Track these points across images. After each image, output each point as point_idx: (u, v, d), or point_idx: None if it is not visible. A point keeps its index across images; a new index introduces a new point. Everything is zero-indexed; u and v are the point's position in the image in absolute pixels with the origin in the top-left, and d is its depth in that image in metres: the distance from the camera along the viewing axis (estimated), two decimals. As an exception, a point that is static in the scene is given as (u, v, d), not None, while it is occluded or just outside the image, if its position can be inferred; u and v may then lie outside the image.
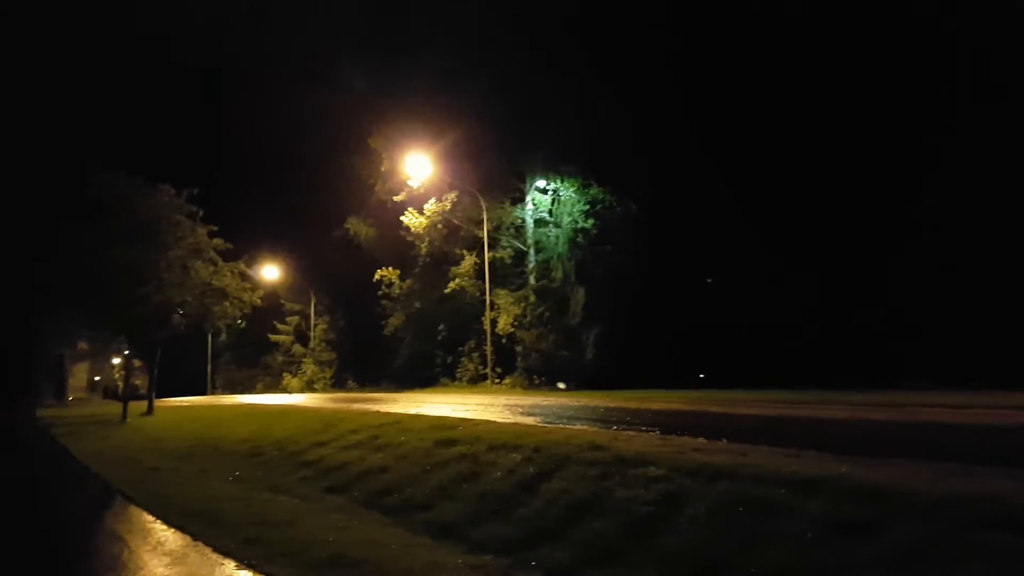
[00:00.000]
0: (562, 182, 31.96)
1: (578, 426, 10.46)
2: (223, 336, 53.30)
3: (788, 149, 25.24)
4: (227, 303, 26.68)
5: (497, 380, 31.25)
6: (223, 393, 53.10)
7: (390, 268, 38.67)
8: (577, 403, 16.56)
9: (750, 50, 26.28)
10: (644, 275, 28.26)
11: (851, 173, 24.18)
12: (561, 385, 28.38)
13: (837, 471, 5.83)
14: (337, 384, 46.65)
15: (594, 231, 30.91)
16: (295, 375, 50.95)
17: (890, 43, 23.36)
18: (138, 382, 42.43)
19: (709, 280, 28.69)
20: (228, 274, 26.70)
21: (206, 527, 7.86)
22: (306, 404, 23.50)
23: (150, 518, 8.67)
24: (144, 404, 26.55)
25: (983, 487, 4.91)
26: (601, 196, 30.83)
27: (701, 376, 26.18)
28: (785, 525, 5.22)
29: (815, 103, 24.68)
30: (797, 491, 5.63)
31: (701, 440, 8.05)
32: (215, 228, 26.24)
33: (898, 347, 21.36)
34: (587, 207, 31.12)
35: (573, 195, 31.54)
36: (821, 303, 24.21)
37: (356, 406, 19.03)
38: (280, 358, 54.48)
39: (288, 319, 54.75)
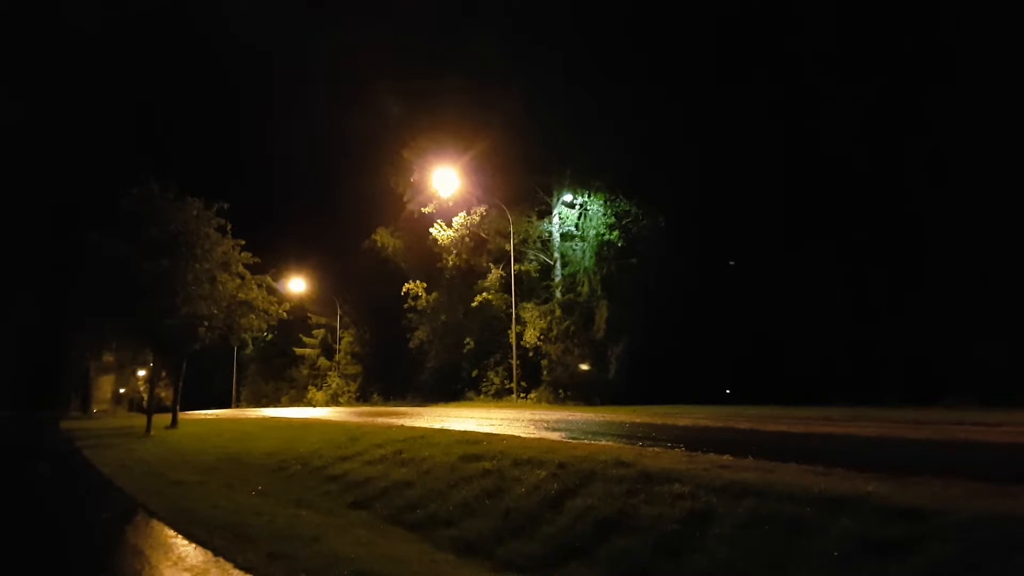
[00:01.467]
0: (589, 196, 31.97)
1: (603, 442, 10.38)
2: (249, 349, 53.82)
3: (823, 156, 24.99)
4: (253, 316, 26.92)
5: (523, 394, 31.17)
6: (248, 406, 53.59)
7: (417, 281, 38.86)
8: (602, 418, 16.44)
9: (781, 66, 26.10)
10: (670, 289, 28.06)
11: (891, 182, 23.80)
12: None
13: (866, 489, 5.71)
14: (362, 398, 46.83)
15: (620, 244, 30.82)
16: (320, 388, 51.23)
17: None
18: (163, 394, 42.94)
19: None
20: (255, 287, 26.96)
21: (229, 542, 7.88)
22: (331, 418, 23.60)
23: (172, 532, 8.71)
24: (169, 417, 26.83)
25: (1018, 507, 4.78)
26: (628, 209, 30.76)
27: (728, 392, 25.87)
28: (814, 544, 5.12)
29: (850, 112, 24.39)
30: (826, 509, 5.52)
31: (728, 457, 7.94)
32: (243, 242, 26.55)
33: (936, 362, 20.87)
34: (613, 220, 31.06)
35: (600, 209, 31.53)
36: (855, 317, 23.83)
37: (381, 420, 19.06)
38: (305, 371, 54.84)
39: (314, 332, 55.15)
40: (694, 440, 10.09)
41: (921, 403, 17.27)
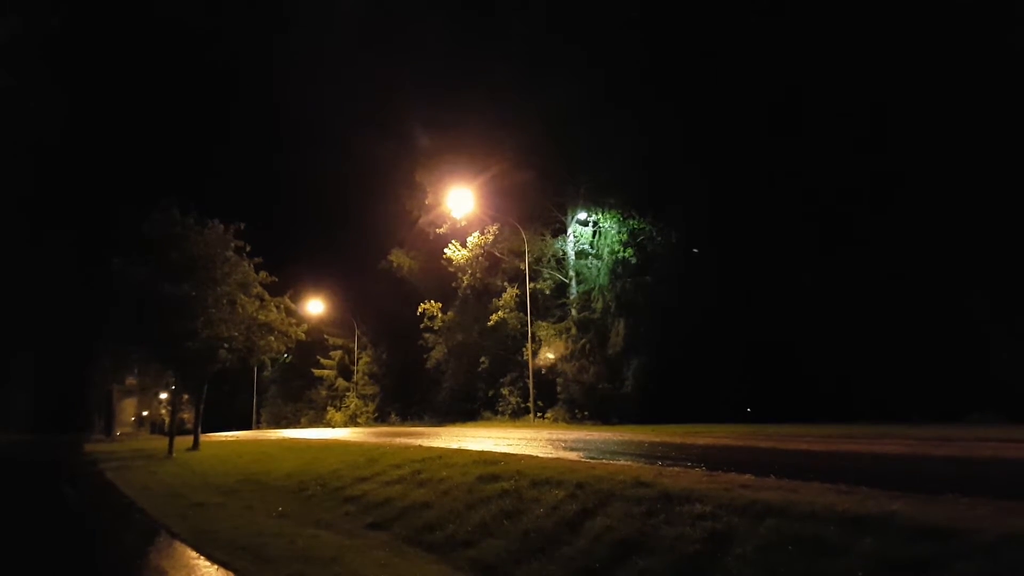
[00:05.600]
0: (603, 214, 32.02)
1: (622, 461, 10.31)
2: (268, 371, 54.13)
3: (838, 171, 24.83)
4: (272, 338, 27.11)
5: (539, 414, 31.05)
6: (268, 427, 53.81)
7: (432, 301, 38.98)
8: (620, 437, 16.33)
9: (799, 86, 26.05)
10: (686, 306, 27.89)
11: (907, 198, 23.61)
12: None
13: (891, 508, 5.63)
14: (380, 418, 46.88)
15: (635, 262, 30.77)
16: (339, 409, 51.37)
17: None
18: (185, 416, 43.22)
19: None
20: (274, 308, 27.17)
21: (250, 563, 7.90)
22: (349, 439, 23.64)
23: (194, 554, 8.75)
24: (190, 439, 26.98)
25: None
26: (642, 227, 30.75)
27: (748, 410, 25.59)
28: (837, 564, 5.05)
29: (859, 126, 24.32)
30: (849, 529, 5.44)
31: (748, 476, 7.85)
32: (259, 260, 26.79)
33: (960, 379, 20.52)
34: (627, 237, 31.04)
35: (614, 226, 31.55)
36: (877, 333, 23.51)
37: (398, 440, 19.07)
38: (324, 392, 55.06)
39: (332, 353, 55.39)
40: (714, 459, 9.99)
41: (945, 420, 16.99)
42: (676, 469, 9.05)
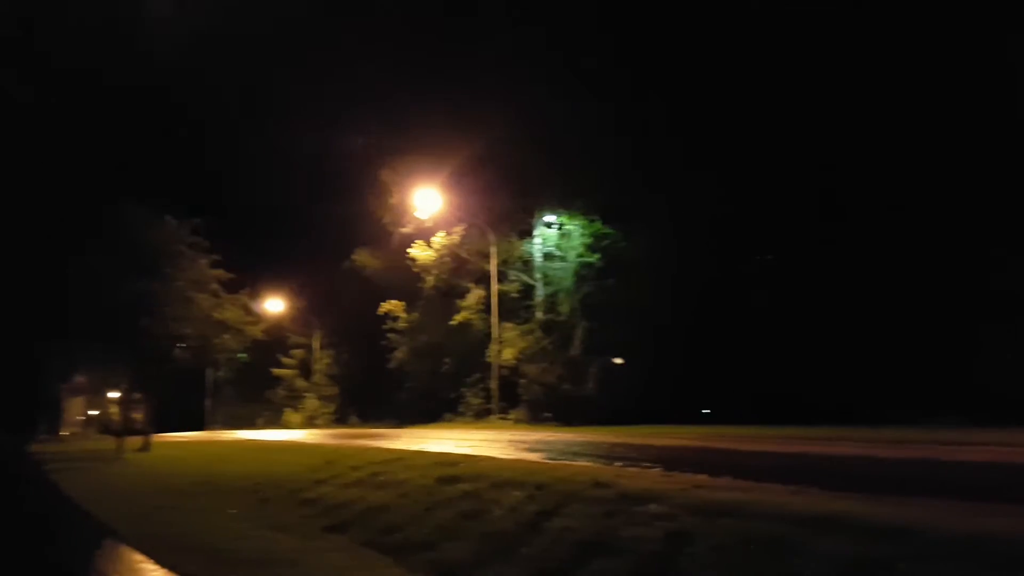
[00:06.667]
0: (570, 217, 32.13)
1: (582, 463, 10.35)
2: (224, 370, 53.13)
3: (803, 180, 25.28)
4: (228, 336, 26.65)
5: (502, 415, 31.03)
6: (223, 428, 52.73)
7: (396, 301, 38.66)
8: (582, 439, 16.41)
9: (769, 90, 26.44)
10: (650, 310, 28.19)
11: (861, 198, 24.15)
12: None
13: (842, 508, 5.72)
14: (339, 420, 46.35)
15: (600, 266, 30.96)
16: (297, 410, 50.61)
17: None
18: (136, 417, 42.24)
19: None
20: (230, 306, 26.70)
21: (201, 567, 7.72)
22: (307, 440, 23.34)
23: (141, 558, 8.48)
24: (141, 440, 26.34)
25: (992, 525, 4.81)
26: (608, 232, 30.94)
27: (706, 411, 25.95)
28: (791, 564, 5.11)
29: (831, 127, 24.73)
30: (803, 528, 5.51)
31: (704, 477, 7.95)
32: (217, 257, 26.31)
33: (918, 384, 21.04)
34: (592, 241, 31.22)
35: (580, 230, 31.70)
36: (835, 337, 24.01)
37: (357, 442, 18.89)
38: (282, 393, 54.17)
39: (292, 353, 54.54)
40: (673, 460, 10.08)
41: (901, 423, 17.41)
42: (635, 470, 9.11)
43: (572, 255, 31.90)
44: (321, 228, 44.33)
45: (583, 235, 31.56)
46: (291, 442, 22.47)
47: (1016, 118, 20.37)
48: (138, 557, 8.55)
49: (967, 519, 5.09)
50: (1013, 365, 19.41)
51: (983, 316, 20.91)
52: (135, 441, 26.20)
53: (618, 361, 28.48)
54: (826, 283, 24.46)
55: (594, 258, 31.08)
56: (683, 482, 7.66)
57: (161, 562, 8.13)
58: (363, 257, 42.02)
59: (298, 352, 54.32)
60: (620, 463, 10.13)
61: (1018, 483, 7.92)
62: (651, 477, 8.32)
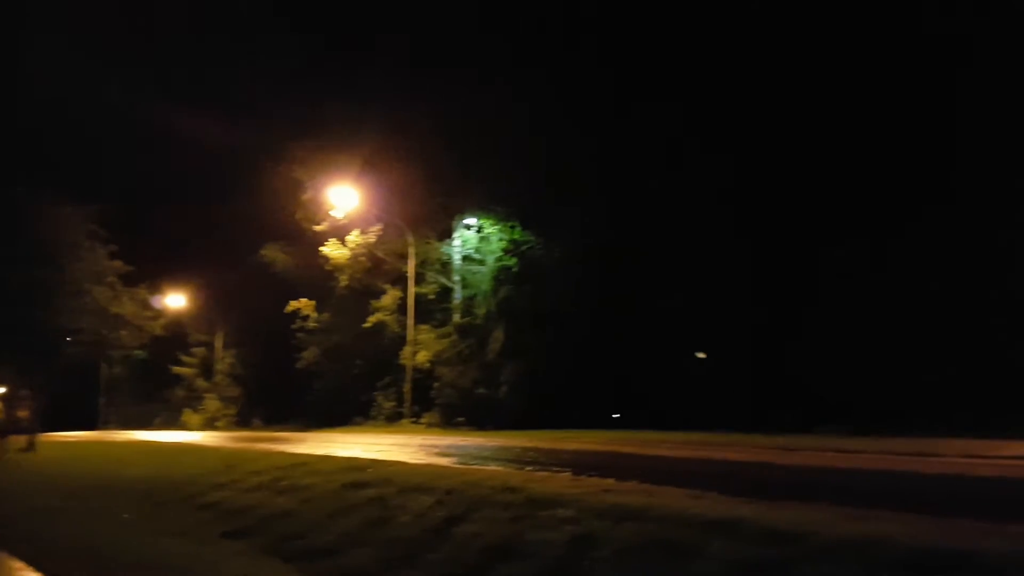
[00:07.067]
0: (490, 221, 32.18)
1: (493, 467, 10.39)
2: (119, 367, 50.56)
3: (720, 186, 26.14)
4: (125, 331, 25.37)
5: (414, 419, 30.77)
6: (117, 428, 50.04)
7: (305, 299, 37.70)
8: (494, 443, 16.50)
9: (688, 95, 27.18)
10: (565, 315, 28.64)
11: (772, 216, 25.23)
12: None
13: (739, 512, 5.96)
14: (242, 422, 44.76)
15: (517, 270, 31.15)
16: (197, 411, 48.60)
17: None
18: (21, 415, 39.55)
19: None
20: (128, 300, 25.43)
21: (88, 574, 7.32)
22: (207, 442, 22.50)
23: (20, 564, 7.96)
24: (25, 439, 24.70)
25: (876, 529, 5.12)
26: (525, 237, 31.18)
27: (616, 416, 26.53)
28: (690, 566, 5.28)
29: (754, 139, 25.67)
30: (701, 532, 5.72)
31: (611, 481, 8.13)
32: (115, 248, 25.02)
33: (813, 392, 22.14)
34: (511, 246, 31.38)
35: (499, 234, 31.81)
36: (737, 347, 25.01)
37: (260, 446, 18.38)
38: (181, 392, 51.83)
39: (193, 351, 52.25)
40: (582, 464, 10.27)
41: (794, 430, 18.27)
42: (545, 474, 9.22)
43: (491, 259, 31.98)
44: (229, 222, 42.64)
45: (502, 239, 31.69)
46: (190, 444, 21.60)
47: None
48: (17, 564, 8.03)
49: (857, 523, 5.39)
50: (892, 377, 20.74)
51: (868, 328, 22.21)
52: (19, 440, 24.57)
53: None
54: (738, 290, 25.47)
55: (512, 262, 31.26)
56: (591, 486, 7.80)
57: (43, 569, 7.67)
58: (273, 253, 40.67)
59: (199, 350, 52.10)
60: (531, 467, 10.24)
61: (904, 489, 8.46)
62: (560, 481, 8.44)
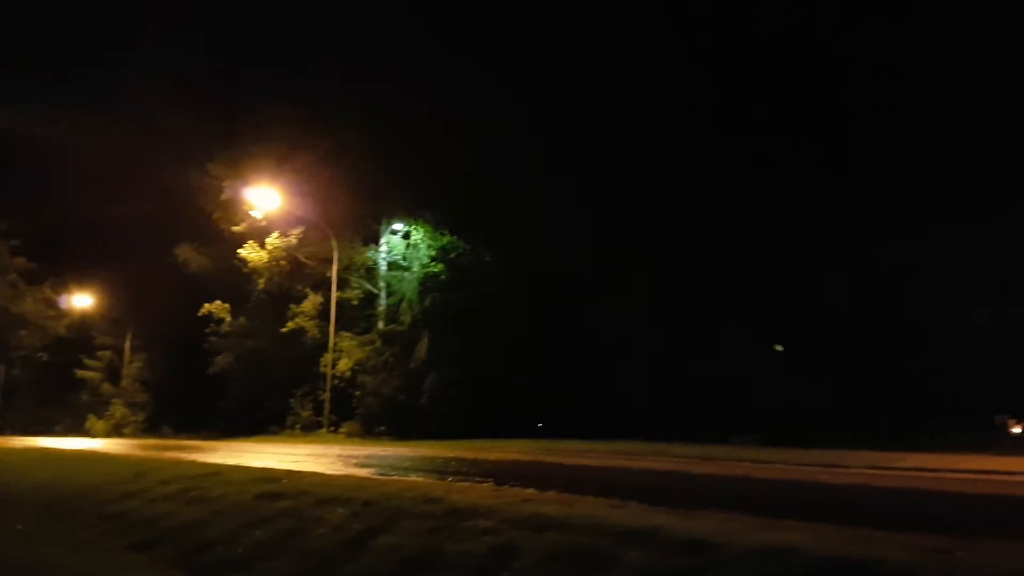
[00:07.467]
0: (417, 227, 31.88)
1: (414, 478, 10.29)
2: (19, 369, 47.66)
3: (640, 204, 26.79)
4: (25, 332, 23.92)
5: (333, 428, 30.11)
6: (15, 434, 47.11)
7: (219, 302, 36.43)
8: (415, 453, 16.32)
9: (618, 104, 27.79)
10: (491, 324, 28.67)
11: (695, 229, 26.05)
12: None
13: (656, 522, 6.07)
14: (151, 429, 42.87)
15: (444, 277, 30.96)
16: (102, 417, 46.24)
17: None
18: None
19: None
20: (31, 299, 24.00)
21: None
22: (113, 450, 21.45)
23: None
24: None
25: (785, 539, 5.30)
26: (454, 244, 31.03)
27: (539, 425, 26.69)
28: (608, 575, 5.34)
29: (677, 153, 26.46)
30: (619, 541, 5.79)
31: (532, 491, 8.15)
32: (16, 243, 23.59)
33: (727, 403, 22.96)
34: (438, 253, 31.17)
35: (426, 240, 31.54)
36: (661, 356, 25.62)
37: (169, 454, 17.68)
38: (86, 397, 49.28)
39: (99, 354, 49.76)
40: (504, 474, 10.27)
41: (712, 440, 18.84)
42: (466, 484, 9.17)
43: (417, 265, 31.66)
44: (142, 221, 40.81)
45: (430, 246, 31.41)
46: (94, 452, 20.54)
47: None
48: None
49: (767, 533, 5.57)
50: (804, 391, 21.70)
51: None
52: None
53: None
54: (661, 300, 26.16)
55: (439, 268, 31.01)
56: (512, 496, 7.80)
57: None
58: (187, 253, 39.14)
59: (105, 354, 49.65)
60: (452, 477, 10.17)
61: (812, 499, 8.81)
62: (482, 492, 8.41)
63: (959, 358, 21.05)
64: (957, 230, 21.64)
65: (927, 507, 8.46)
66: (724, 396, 23.34)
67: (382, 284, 33.12)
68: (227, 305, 36.61)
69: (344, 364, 31.22)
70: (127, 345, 47.92)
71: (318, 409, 32.00)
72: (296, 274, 34.39)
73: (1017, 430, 20.53)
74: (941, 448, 15.69)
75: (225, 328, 36.68)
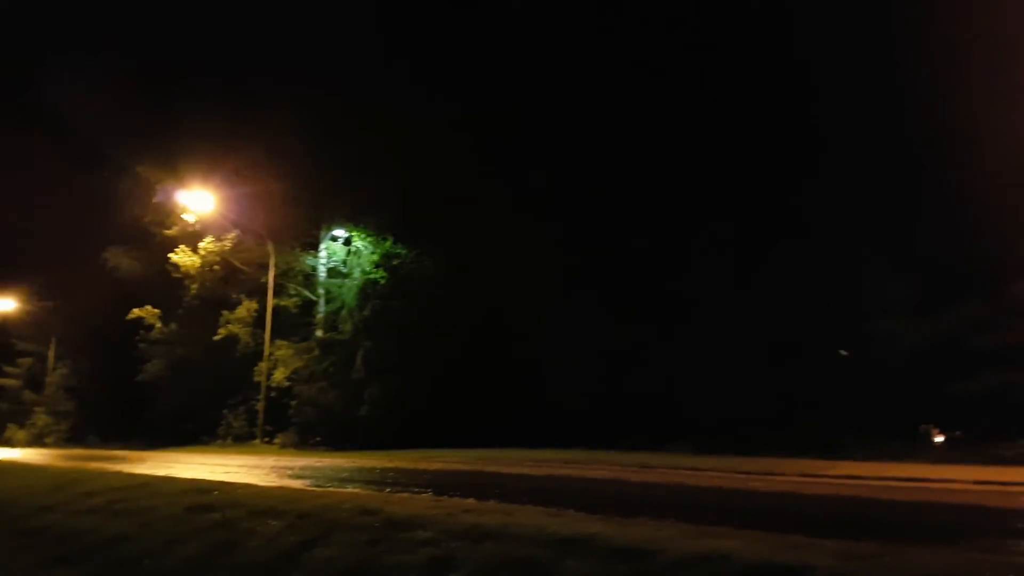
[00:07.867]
0: (358, 233, 31.34)
1: (350, 489, 10.13)
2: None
3: (587, 212, 27.12)
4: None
5: (267, 439, 29.37)
6: (-77, 446, 44.53)
7: (149, 307, 35.21)
8: (353, 464, 16.08)
9: (560, 110, 28.11)
10: (433, 332, 28.50)
11: (631, 235, 26.55)
12: None
13: (593, 530, 6.13)
14: (76, 439, 41.06)
15: (386, 284, 30.54)
16: (23, 427, 44.14)
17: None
18: None
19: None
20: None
21: None
22: (33, 461, 20.46)
23: None
24: None
25: (719, 545, 5.41)
26: (397, 251, 30.65)
27: (479, 434, 26.56)
28: (545, 586, 5.35)
29: (623, 160, 26.90)
30: (556, 550, 5.82)
31: (472, 500, 8.13)
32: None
33: (666, 412, 23.35)
34: (380, 260, 30.73)
35: (368, 247, 31.05)
36: (600, 365, 25.93)
37: (95, 465, 16.94)
38: (5, 405, 47.03)
39: (19, 361, 47.56)
40: (444, 484, 10.22)
41: (647, 448, 19.12)
42: (405, 495, 9.08)
43: (358, 272, 31.14)
44: (69, 222, 39.16)
45: (372, 253, 30.93)
46: (13, 462, 19.55)
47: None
48: None
49: (702, 540, 5.68)
50: (741, 399, 22.29)
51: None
52: None
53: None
54: (600, 309, 26.50)
55: (380, 275, 30.57)
56: (451, 507, 7.76)
57: None
58: (116, 257, 37.72)
59: (25, 360, 47.46)
60: (391, 489, 10.06)
61: (746, 506, 9.02)
62: (421, 502, 8.34)
63: (885, 368, 21.98)
64: (884, 240, 22.70)
65: (856, 513, 8.77)
66: (662, 404, 23.76)
67: (321, 291, 32.47)
68: (157, 311, 35.38)
69: (280, 374, 30.49)
70: (51, 351, 45.98)
71: (252, 419, 31.17)
72: (230, 280, 33.48)
73: (940, 439, 21.52)
74: (869, 456, 16.33)
75: (155, 334, 35.44)
